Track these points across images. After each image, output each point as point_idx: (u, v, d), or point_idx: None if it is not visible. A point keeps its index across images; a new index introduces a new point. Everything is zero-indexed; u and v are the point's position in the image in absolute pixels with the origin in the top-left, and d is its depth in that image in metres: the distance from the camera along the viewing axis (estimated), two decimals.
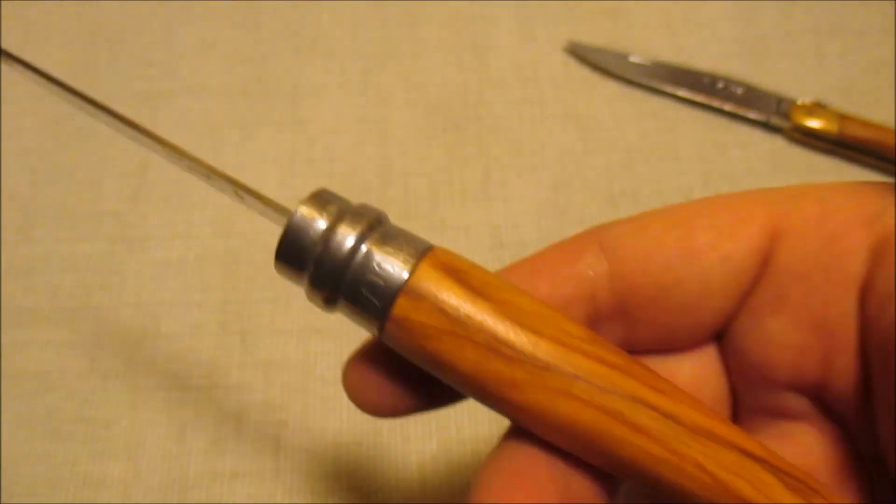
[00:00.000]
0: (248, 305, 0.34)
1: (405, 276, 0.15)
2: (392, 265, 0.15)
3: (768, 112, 0.38)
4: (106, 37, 0.43)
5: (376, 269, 0.15)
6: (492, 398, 0.15)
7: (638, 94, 0.40)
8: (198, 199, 0.37)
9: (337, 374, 0.32)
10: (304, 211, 0.15)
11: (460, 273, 0.15)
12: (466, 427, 0.31)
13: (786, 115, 0.38)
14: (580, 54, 0.41)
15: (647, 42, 0.42)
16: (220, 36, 0.43)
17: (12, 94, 0.41)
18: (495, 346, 0.14)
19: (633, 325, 0.17)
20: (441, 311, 0.14)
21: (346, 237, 0.15)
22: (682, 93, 0.39)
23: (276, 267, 0.16)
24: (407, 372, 0.16)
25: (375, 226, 0.15)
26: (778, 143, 0.38)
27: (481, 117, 0.39)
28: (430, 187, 0.37)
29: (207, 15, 0.44)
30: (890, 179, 0.38)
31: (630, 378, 0.15)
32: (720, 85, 0.39)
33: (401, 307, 0.15)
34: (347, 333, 0.33)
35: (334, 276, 0.15)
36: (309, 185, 0.37)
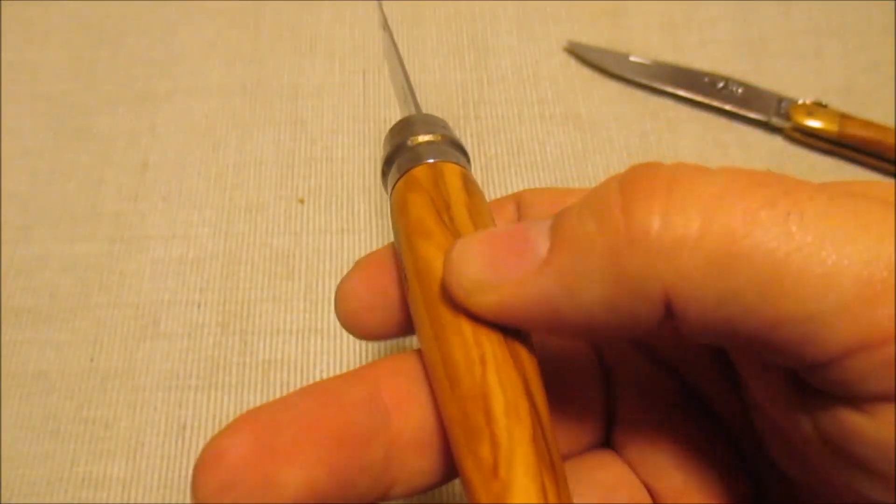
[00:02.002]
0: (248, 305, 0.34)
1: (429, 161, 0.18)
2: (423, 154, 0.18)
3: (768, 112, 0.38)
4: (106, 37, 0.43)
5: (413, 150, 0.18)
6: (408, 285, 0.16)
7: (638, 94, 0.40)
8: (198, 199, 0.37)
9: (336, 374, 0.32)
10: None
11: (468, 181, 0.17)
12: None
13: (786, 115, 0.38)
14: (580, 54, 0.41)
15: (647, 42, 0.42)
16: (220, 36, 0.43)
17: (12, 94, 0.41)
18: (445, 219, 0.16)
19: None
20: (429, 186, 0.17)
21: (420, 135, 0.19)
22: (682, 93, 0.39)
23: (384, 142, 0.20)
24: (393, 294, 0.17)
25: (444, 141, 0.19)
26: (778, 143, 0.38)
27: (481, 117, 0.39)
28: None
29: (207, 15, 0.44)
30: (890, 180, 0.38)
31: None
32: (720, 85, 0.39)
33: (416, 170, 0.18)
34: (346, 334, 0.33)
35: (394, 152, 0.19)
36: (309, 185, 0.37)
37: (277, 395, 0.33)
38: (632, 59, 0.40)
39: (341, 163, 0.38)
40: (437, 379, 0.14)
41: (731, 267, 0.11)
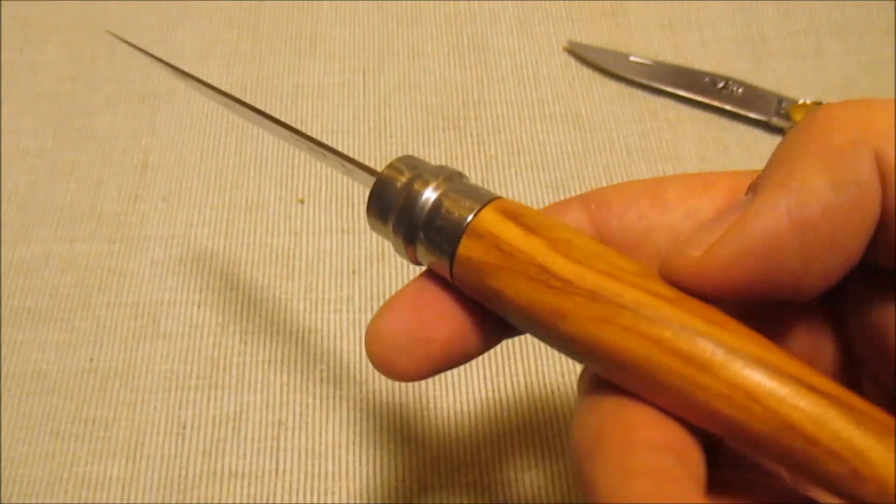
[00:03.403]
0: (248, 305, 0.34)
1: (468, 219, 0.16)
2: (458, 211, 0.17)
3: (768, 112, 0.38)
4: (106, 37, 0.43)
5: (444, 214, 0.17)
6: (543, 329, 0.15)
7: (638, 94, 0.40)
8: (197, 199, 0.37)
9: (336, 374, 0.32)
10: (387, 171, 0.18)
11: (517, 216, 0.16)
12: (466, 427, 0.31)
13: (786, 115, 0.38)
14: (580, 54, 0.41)
15: (647, 42, 0.42)
16: (220, 36, 0.43)
17: (12, 94, 0.41)
18: (545, 278, 0.15)
19: None
20: (497, 247, 0.16)
21: (423, 190, 0.17)
22: (682, 93, 0.39)
23: (367, 219, 0.18)
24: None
25: (449, 181, 0.17)
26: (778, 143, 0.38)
27: (481, 117, 0.39)
28: None
29: (207, 15, 0.44)
30: None
31: (679, 309, 0.14)
32: (720, 85, 0.39)
33: (464, 247, 0.16)
34: (347, 334, 0.33)
35: (411, 222, 0.17)
36: (309, 185, 0.37)
37: (277, 396, 0.33)
38: (632, 59, 0.40)
39: None
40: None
41: None
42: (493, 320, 0.17)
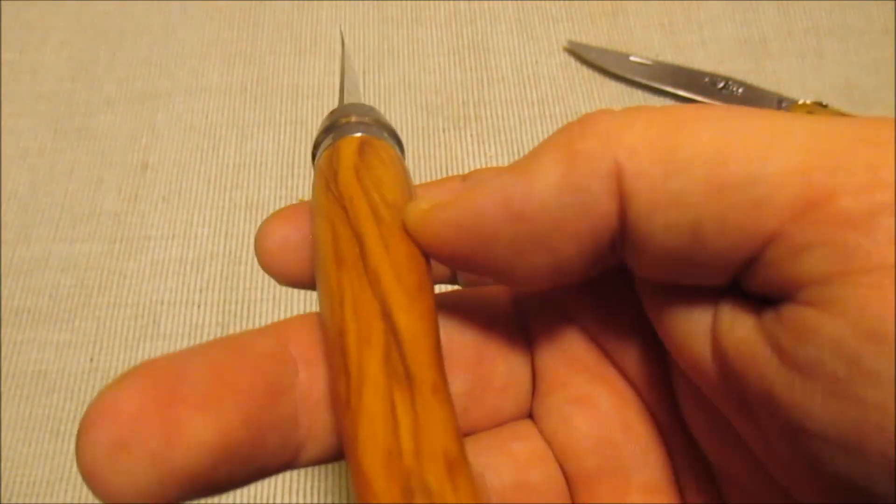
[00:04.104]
0: (248, 306, 0.34)
1: (327, 140, 0.18)
2: (331, 135, 0.18)
3: None
4: (106, 37, 0.43)
5: (323, 133, 0.19)
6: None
7: (638, 94, 0.40)
8: (197, 199, 0.37)
9: None
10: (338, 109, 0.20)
11: (368, 146, 0.17)
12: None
13: None
14: (580, 54, 0.41)
15: (647, 42, 0.42)
16: (219, 36, 0.43)
17: (12, 94, 0.41)
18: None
19: None
20: (327, 173, 0.16)
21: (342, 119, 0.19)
22: (682, 93, 0.39)
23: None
24: None
25: (373, 124, 0.19)
26: None
27: (481, 117, 0.39)
28: None
29: (207, 15, 0.44)
30: None
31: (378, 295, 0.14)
32: (720, 85, 0.39)
33: (321, 159, 0.17)
34: None
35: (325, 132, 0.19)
36: (309, 185, 0.37)
37: None
38: (632, 59, 0.40)
39: None
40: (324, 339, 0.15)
41: (677, 144, 0.12)
42: None
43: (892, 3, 0.42)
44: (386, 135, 0.18)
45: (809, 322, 0.11)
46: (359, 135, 0.18)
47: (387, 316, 0.13)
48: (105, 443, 0.11)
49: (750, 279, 0.12)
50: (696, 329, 0.14)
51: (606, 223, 0.13)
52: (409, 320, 0.13)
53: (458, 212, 0.14)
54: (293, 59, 0.42)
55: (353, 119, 0.18)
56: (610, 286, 0.17)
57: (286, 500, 0.29)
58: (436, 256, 0.15)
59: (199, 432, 0.11)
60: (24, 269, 0.35)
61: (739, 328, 0.13)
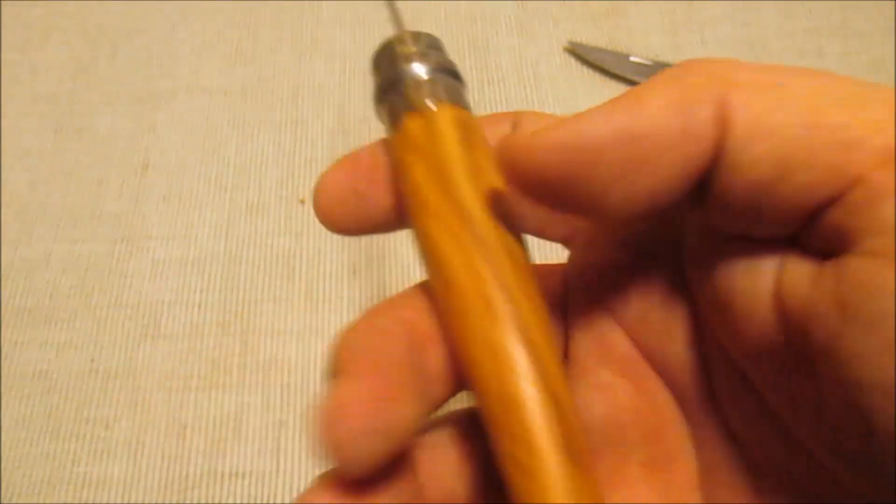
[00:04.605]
0: (248, 305, 0.34)
1: (427, 103, 0.17)
2: (420, 93, 0.17)
3: None
4: (106, 37, 0.43)
5: (408, 86, 0.17)
6: (411, 218, 0.17)
7: None
8: (197, 200, 0.37)
9: None
10: (395, 38, 0.18)
11: (467, 130, 0.17)
12: None
13: None
14: (580, 54, 0.41)
15: (647, 42, 0.42)
16: (220, 36, 0.43)
17: (12, 94, 0.41)
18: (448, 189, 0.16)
19: None
20: (427, 142, 0.17)
21: (411, 61, 0.18)
22: None
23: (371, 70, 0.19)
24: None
25: (440, 70, 0.18)
26: None
27: None
28: None
29: (207, 15, 0.44)
30: None
31: (509, 268, 0.15)
32: None
33: (407, 122, 0.17)
34: None
35: (385, 83, 0.18)
36: (309, 185, 0.37)
37: (277, 396, 0.33)
38: (632, 59, 0.40)
39: None
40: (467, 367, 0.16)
41: (778, 84, 0.13)
42: None
43: (892, 3, 0.42)
44: (461, 86, 0.18)
45: (876, 274, 0.12)
46: (446, 104, 0.17)
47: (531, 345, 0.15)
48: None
49: (817, 228, 0.13)
50: (757, 287, 0.14)
51: (705, 149, 0.14)
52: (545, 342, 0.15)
53: (568, 133, 0.14)
54: (293, 59, 0.42)
55: (428, 69, 0.18)
56: (654, 283, 0.17)
57: (286, 501, 0.29)
58: (535, 184, 0.15)
59: (404, 416, 0.15)
60: (24, 269, 0.35)
61: (801, 284, 0.13)
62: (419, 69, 0.18)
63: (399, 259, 0.35)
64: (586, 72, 0.41)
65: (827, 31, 0.42)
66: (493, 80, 0.40)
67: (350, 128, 0.39)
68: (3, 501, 0.30)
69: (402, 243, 0.35)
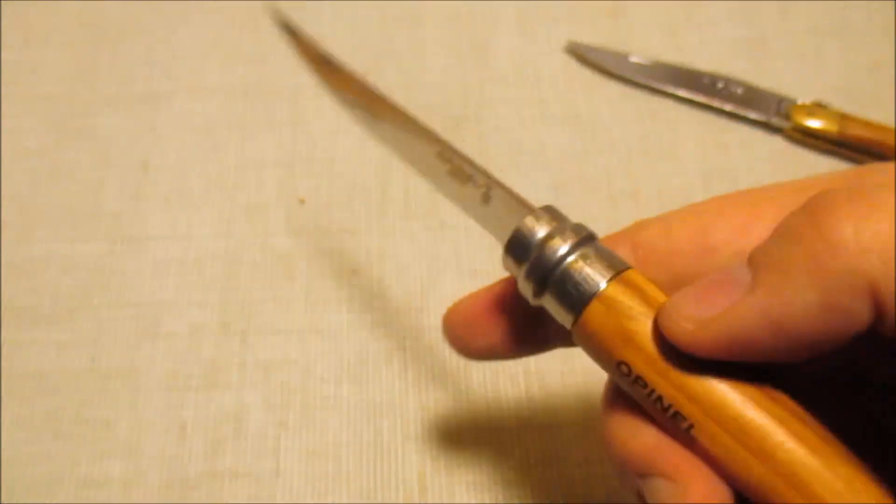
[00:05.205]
0: (248, 305, 0.34)
1: (602, 285, 0.18)
2: (590, 277, 0.18)
3: (768, 112, 0.38)
4: (106, 37, 0.43)
5: (577, 275, 0.18)
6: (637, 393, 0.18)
7: (638, 94, 0.40)
8: (198, 199, 0.37)
9: (337, 374, 0.32)
10: (529, 220, 0.19)
11: (642, 292, 0.18)
12: (466, 427, 0.31)
13: (786, 115, 0.38)
14: (580, 54, 0.41)
15: (647, 42, 0.42)
16: (220, 36, 0.43)
17: (12, 94, 0.41)
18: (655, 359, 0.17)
19: None
20: (620, 322, 0.17)
21: (561, 246, 0.18)
22: (682, 93, 0.39)
23: (502, 260, 0.20)
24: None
25: (585, 242, 0.19)
26: (778, 143, 0.38)
27: (481, 117, 0.39)
28: (429, 187, 0.37)
29: (207, 15, 0.44)
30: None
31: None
32: (720, 85, 0.39)
33: (592, 312, 0.18)
34: (347, 334, 0.33)
35: (544, 274, 0.19)
36: (309, 185, 0.37)
37: (277, 396, 0.33)
38: (632, 59, 0.40)
39: (342, 163, 0.38)
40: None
41: None
42: (541, 336, 0.21)
43: (892, 3, 0.42)
44: (596, 239, 0.19)
45: None
46: (610, 277, 0.18)
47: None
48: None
49: None
50: None
51: (861, 326, 0.14)
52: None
53: (726, 330, 0.16)
54: (293, 59, 0.42)
55: (571, 244, 0.19)
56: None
57: (286, 501, 0.29)
58: (710, 358, 0.16)
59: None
60: (24, 269, 0.35)
61: None
62: (565, 250, 0.18)
63: (399, 259, 0.35)
64: (586, 72, 0.41)
65: (827, 31, 0.42)
66: (494, 81, 0.40)
67: (350, 127, 0.39)
68: (3, 501, 0.30)
69: (402, 243, 0.35)
